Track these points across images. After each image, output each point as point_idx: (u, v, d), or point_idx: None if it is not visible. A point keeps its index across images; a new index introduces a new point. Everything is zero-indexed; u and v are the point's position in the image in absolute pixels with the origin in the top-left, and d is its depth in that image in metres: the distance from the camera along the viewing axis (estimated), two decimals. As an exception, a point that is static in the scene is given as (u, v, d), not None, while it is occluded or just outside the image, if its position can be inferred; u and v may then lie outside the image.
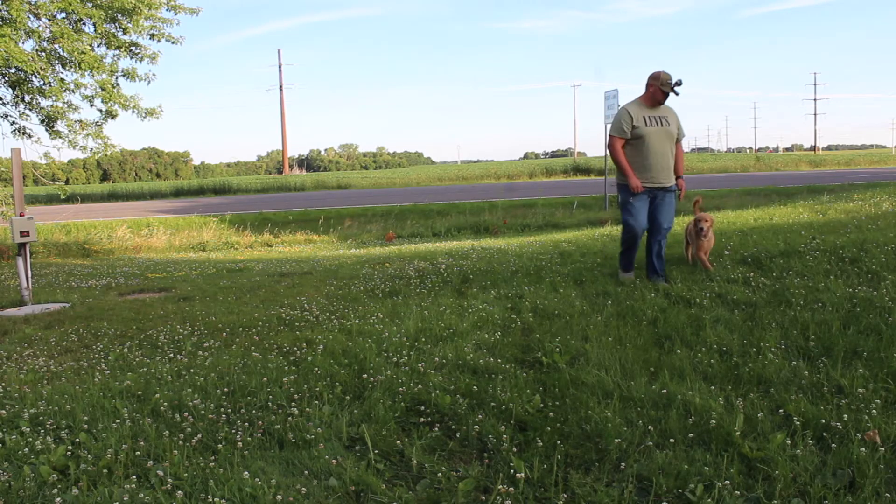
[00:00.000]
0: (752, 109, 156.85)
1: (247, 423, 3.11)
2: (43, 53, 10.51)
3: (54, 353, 4.75)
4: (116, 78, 11.19)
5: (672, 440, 2.71)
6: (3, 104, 11.47)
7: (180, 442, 2.89)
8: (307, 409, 3.21)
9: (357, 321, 5.05)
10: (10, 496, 2.52)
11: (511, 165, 57.91)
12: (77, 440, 2.96)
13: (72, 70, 10.73)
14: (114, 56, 11.15)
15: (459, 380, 3.54)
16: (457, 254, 9.15)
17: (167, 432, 2.98)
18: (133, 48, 11.18)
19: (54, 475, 2.64)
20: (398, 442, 2.88)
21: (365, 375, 3.66)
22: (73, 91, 10.91)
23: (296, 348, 4.34)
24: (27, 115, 11.53)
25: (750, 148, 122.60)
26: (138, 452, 2.81)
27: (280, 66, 64.50)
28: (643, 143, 5.42)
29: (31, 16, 10.24)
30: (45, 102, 11.21)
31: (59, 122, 11.42)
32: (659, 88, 5.39)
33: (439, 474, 2.57)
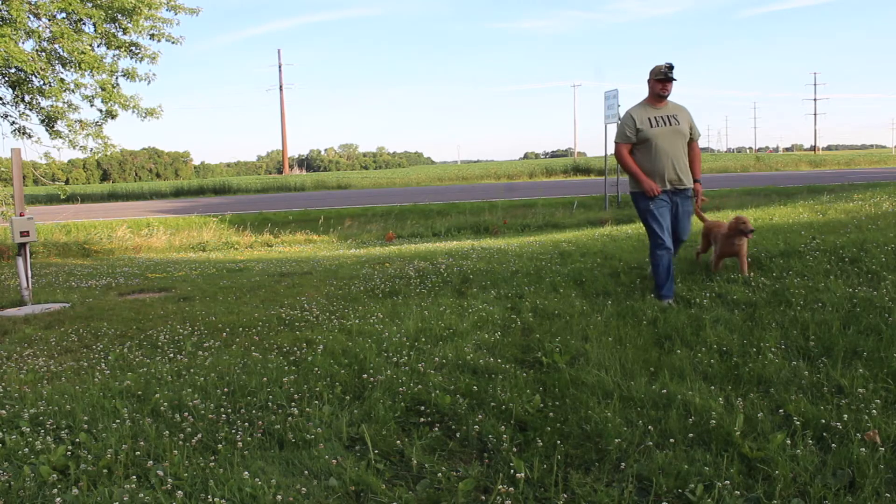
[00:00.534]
0: (752, 109, 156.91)
1: (247, 423, 3.11)
2: (43, 53, 10.51)
3: (54, 353, 4.75)
4: (116, 78, 11.20)
5: (672, 440, 2.71)
6: (3, 104, 11.48)
7: (180, 442, 2.89)
8: (307, 409, 3.21)
9: (357, 321, 5.05)
10: (10, 496, 2.52)
11: (511, 165, 57.93)
12: (77, 440, 2.96)
13: (72, 70, 10.74)
14: (114, 56, 11.16)
15: (459, 380, 3.54)
16: (457, 254, 9.15)
17: (167, 432, 2.98)
18: (133, 48, 11.18)
19: (54, 475, 2.64)
20: (398, 442, 2.88)
21: (365, 375, 3.66)
22: (73, 91, 10.91)
23: (296, 348, 4.35)
24: (27, 115, 11.54)
25: (750, 148, 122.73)
26: (138, 452, 2.81)
27: (280, 66, 64.72)
28: (650, 145, 5.06)
29: (31, 16, 10.24)
30: (45, 102, 11.21)
31: (59, 122, 11.42)
32: (654, 80, 5.08)
33: (439, 474, 2.57)
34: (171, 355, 4.44)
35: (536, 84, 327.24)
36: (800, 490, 2.36)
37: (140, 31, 10.97)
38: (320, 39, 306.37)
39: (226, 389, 3.55)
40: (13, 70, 10.40)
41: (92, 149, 11.69)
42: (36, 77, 10.61)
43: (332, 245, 15.28)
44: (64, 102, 11.14)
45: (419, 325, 4.71)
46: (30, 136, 11.84)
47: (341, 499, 2.48)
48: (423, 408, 3.21)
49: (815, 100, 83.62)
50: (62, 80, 10.78)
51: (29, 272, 6.98)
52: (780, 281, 5.15)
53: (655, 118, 5.08)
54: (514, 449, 2.76)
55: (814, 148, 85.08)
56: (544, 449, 2.74)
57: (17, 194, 7.08)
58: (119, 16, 10.67)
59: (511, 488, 2.43)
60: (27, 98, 11.22)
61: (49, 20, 10.41)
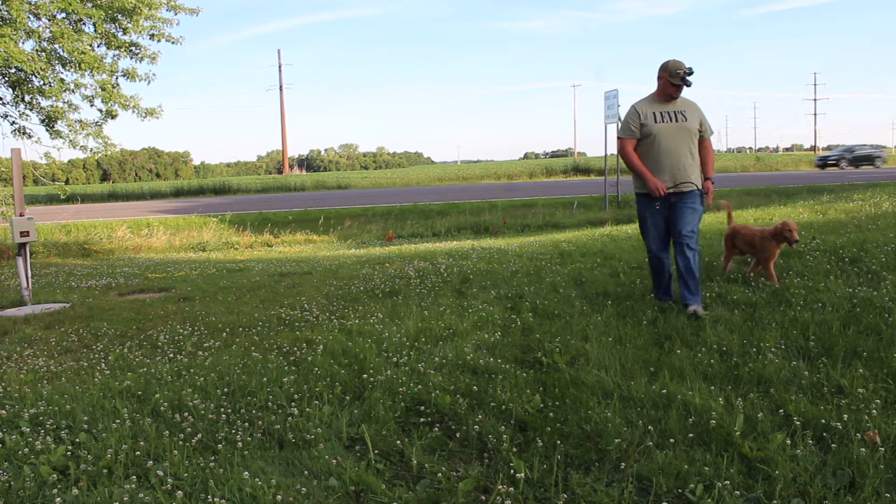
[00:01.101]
0: (752, 109, 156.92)
1: (247, 423, 3.11)
2: (43, 53, 10.51)
3: (54, 353, 4.75)
4: (116, 78, 11.21)
5: (672, 440, 2.71)
6: (3, 104, 11.48)
7: (180, 442, 2.89)
8: (307, 409, 3.21)
9: (357, 321, 5.05)
10: (10, 496, 2.52)
11: (511, 165, 57.93)
12: (77, 440, 2.96)
13: (72, 70, 10.74)
14: (114, 56, 11.16)
15: (459, 380, 3.54)
16: (457, 254, 9.16)
17: (167, 432, 2.98)
18: (133, 48, 11.18)
19: (54, 475, 2.64)
20: (398, 442, 2.88)
21: (365, 375, 3.66)
22: (73, 91, 10.92)
23: (296, 348, 4.35)
24: (27, 115, 11.54)
25: (750, 148, 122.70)
26: (138, 452, 2.81)
27: (280, 66, 64.68)
28: (654, 141, 4.77)
29: (31, 16, 10.24)
30: (45, 102, 11.21)
31: (59, 122, 11.42)
32: (668, 80, 4.73)
33: (439, 474, 2.57)
34: (171, 355, 4.44)
35: (536, 84, 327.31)
36: (800, 490, 2.36)
37: (140, 32, 10.98)
38: (320, 39, 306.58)
39: (226, 389, 3.55)
40: (13, 70, 10.40)
41: (92, 149, 11.71)
42: (36, 77, 10.62)
43: (332, 245, 15.28)
44: (64, 102, 11.16)
45: (419, 325, 4.71)
46: (30, 136, 11.85)
47: (341, 499, 2.48)
48: (423, 408, 3.21)
49: (815, 100, 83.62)
50: (62, 80, 10.78)
51: (29, 272, 6.98)
52: (781, 281, 5.16)
53: (661, 113, 4.81)
54: (514, 449, 2.76)
55: (814, 148, 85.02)
56: (544, 449, 2.74)
57: (17, 194, 7.08)
58: (119, 16, 10.67)
59: (511, 488, 2.43)
60: (27, 98, 11.23)
61: (49, 20, 10.42)
